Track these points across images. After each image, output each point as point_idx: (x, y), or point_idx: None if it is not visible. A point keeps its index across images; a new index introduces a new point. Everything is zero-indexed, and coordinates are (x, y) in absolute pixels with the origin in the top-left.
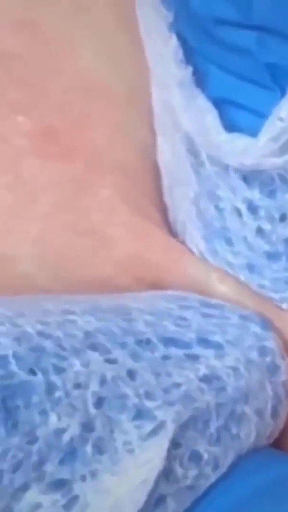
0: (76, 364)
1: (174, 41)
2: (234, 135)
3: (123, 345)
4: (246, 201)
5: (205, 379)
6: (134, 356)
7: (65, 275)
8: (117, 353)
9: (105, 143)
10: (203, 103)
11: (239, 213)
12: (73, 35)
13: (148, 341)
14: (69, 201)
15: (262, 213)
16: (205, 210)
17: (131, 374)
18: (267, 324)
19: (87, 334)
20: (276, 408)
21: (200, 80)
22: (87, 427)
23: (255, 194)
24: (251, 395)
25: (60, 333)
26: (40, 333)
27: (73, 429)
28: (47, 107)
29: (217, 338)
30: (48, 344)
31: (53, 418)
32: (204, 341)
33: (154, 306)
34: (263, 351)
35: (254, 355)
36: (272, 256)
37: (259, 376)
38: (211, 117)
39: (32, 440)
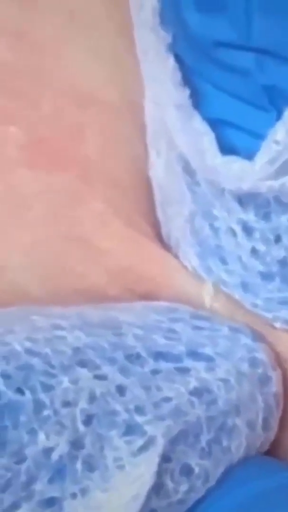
0: (65, 381)
1: (171, 62)
2: (230, 159)
3: (112, 361)
4: (241, 222)
5: (196, 392)
6: (124, 372)
7: (56, 284)
8: (106, 369)
9: (97, 154)
10: (199, 125)
11: (233, 233)
12: (66, 45)
13: (138, 356)
14: (61, 211)
15: (257, 234)
16: (199, 228)
17: (121, 389)
18: (257, 336)
19: (76, 350)
20: (267, 419)
21: (197, 101)
22: (76, 444)
23: (250, 216)
24: (242, 407)
25: (48, 350)
26: (28, 351)
27: (62, 447)
28: (38, 117)
29: (207, 350)
30: (36, 361)
31: (41, 436)
32: (194, 354)
33: (144, 319)
34: (254, 362)
35: (245, 366)
36: (266, 276)
37: (250, 388)
38: (207, 139)
39: (21, 459)
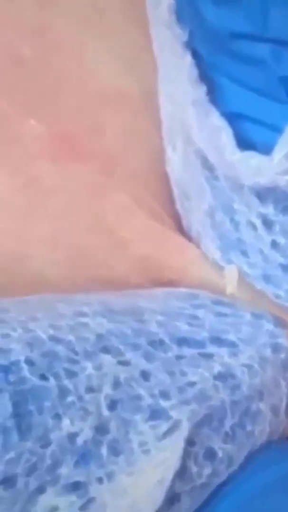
0: (89, 367)
1: (188, 59)
2: (248, 154)
3: (136, 347)
4: (260, 216)
5: (220, 377)
6: (148, 357)
7: (79, 274)
8: (130, 355)
9: (118, 148)
10: (217, 121)
11: (254, 227)
12: (86, 40)
13: (161, 342)
14: (83, 203)
15: (276, 227)
16: (220, 222)
17: (145, 375)
18: (280, 322)
19: (100, 336)
20: None
21: (214, 96)
22: (101, 429)
23: (269, 210)
24: (266, 392)
25: (72, 337)
26: (52, 338)
27: (87, 432)
28: (59, 111)
29: (231, 336)
30: (60, 348)
31: (66, 422)
32: (217, 340)
33: (166, 306)
34: (277, 348)
35: (268, 352)
36: (287, 268)
37: (274, 373)
38: (225, 135)
39: (46, 443)
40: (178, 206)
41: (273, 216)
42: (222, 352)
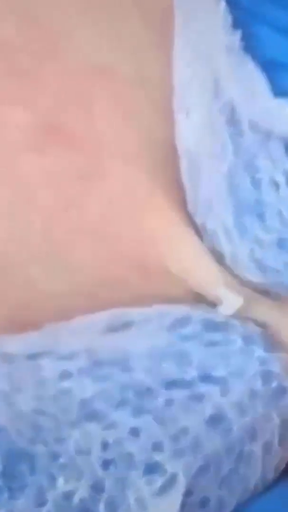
0: (75, 435)
1: (222, 5)
2: (283, 101)
3: (122, 404)
4: (286, 173)
5: (211, 420)
6: (136, 412)
7: (68, 275)
8: (116, 416)
9: (109, 130)
10: (251, 68)
11: (276, 185)
12: (78, 27)
13: (149, 390)
14: (72, 197)
15: None
16: (239, 183)
17: (134, 432)
18: (271, 344)
19: (83, 403)
20: (285, 436)
21: (249, 44)
22: (97, 488)
23: None
24: (258, 430)
25: (55, 408)
26: (35, 411)
27: (83, 491)
28: (43, 96)
29: (220, 371)
30: (43, 420)
31: (60, 481)
32: (207, 378)
33: (154, 341)
34: (267, 377)
35: (258, 384)
36: None
37: (265, 406)
38: (260, 83)
39: (42, 502)
40: (185, 180)
41: None
42: (212, 391)
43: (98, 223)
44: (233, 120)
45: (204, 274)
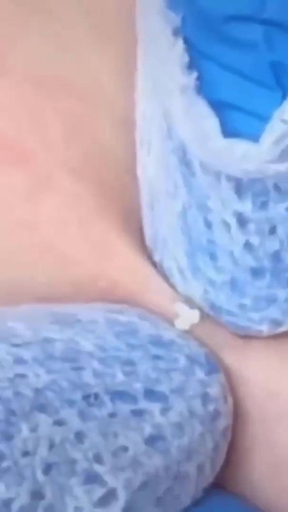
0: (24, 429)
1: (180, 45)
2: (233, 141)
3: (71, 403)
4: (236, 214)
5: (150, 440)
6: (83, 416)
7: (19, 296)
8: (65, 413)
9: (60, 144)
10: (203, 109)
11: (228, 226)
12: (23, 33)
13: (96, 396)
14: (21, 216)
15: (252, 226)
16: (192, 223)
17: (79, 436)
18: (213, 366)
19: (37, 392)
20: (215, 459)
21: (202, 84)
22: (37, 494)
23: (246, 206)
24: (193, 452)
25: (10, 393)
26: None
27: (23, 498)
28: None
29: (163, 387)
30: None
31: (1, 488)
32: (149, 393)
33: (104, 346)
34: (206, 399)
35: (197, 405)
36: (257, 272)
37: (201, 429)
38: (211, 123)
39: None
40: (145, 213)
41: (250, 212)
42: (154, 408)
43: (48, 244)
44: (185, 160)
45: (158, 291)
